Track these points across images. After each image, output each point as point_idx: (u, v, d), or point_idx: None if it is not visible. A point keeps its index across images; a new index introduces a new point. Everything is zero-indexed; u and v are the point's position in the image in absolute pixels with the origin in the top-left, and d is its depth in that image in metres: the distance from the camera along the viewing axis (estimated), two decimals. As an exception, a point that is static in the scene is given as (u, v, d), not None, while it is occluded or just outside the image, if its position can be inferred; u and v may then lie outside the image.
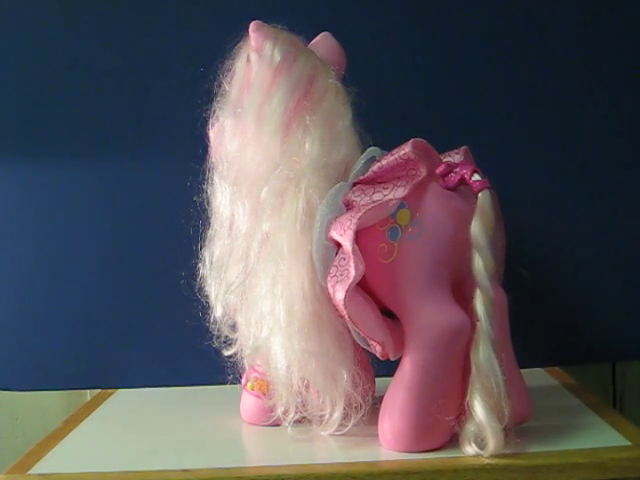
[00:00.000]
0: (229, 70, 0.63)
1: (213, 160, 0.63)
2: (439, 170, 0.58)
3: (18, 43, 0.81)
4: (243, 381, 0.66)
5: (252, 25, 0.60)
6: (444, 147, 0.61)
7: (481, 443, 0.54)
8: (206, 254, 0.63)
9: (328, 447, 0.59)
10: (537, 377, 0.76)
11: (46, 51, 0.81)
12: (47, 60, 0.81)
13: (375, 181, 0.59)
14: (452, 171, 0.57)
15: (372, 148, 0.61)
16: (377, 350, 0.57)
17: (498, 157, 0.80)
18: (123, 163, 0.81)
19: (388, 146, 0.60)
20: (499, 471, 0.53)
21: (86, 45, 0.81)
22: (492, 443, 0.53)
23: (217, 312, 0.62)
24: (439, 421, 0.55)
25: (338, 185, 0.59)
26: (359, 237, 0.55)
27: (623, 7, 0.82)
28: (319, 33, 0.66)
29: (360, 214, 0.55)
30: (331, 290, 0.55)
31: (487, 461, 0.53)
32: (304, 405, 0.59)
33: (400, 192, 0.56)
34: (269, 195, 0.58)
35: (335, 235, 0.56)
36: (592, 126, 0.83)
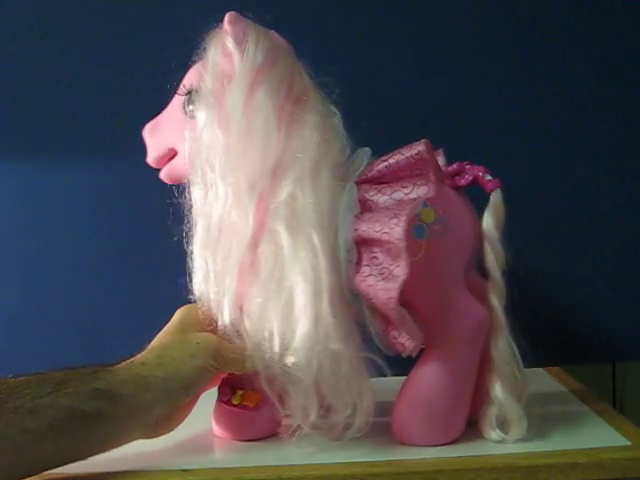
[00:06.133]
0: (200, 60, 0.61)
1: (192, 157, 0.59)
2: (451, 169, 0.60)
3: (14, 43, 0.81)
4: (221, 397, 0.61)
5: (228, 17, 0.58)
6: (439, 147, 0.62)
7: (504, 428, 0.57)
8: (209, 261, 0.59)
9: (328, 447, 0.58)
10: (537, 377, 0.76)
11: (43, 50, 0.81)
12: (44, 59, 0.81)
13: (381, 180, 0.59)
14: (463, 170, 0.60)
15: (365, 149, 0.61)
16: (408, 347, 0.56)
17: (497, 157, 0.80)
18: (121, 161, 0.81)
19: (380, 146, 0.60)
20: (499, 471, 0.53)
21: (82, 45, 0.81)
22: (516, 428, 0.57)
23: (225, 319, 0.58)
24: (465, 411, 0.59)
25: (349, 185, 0.59)
26: None
27: (623, 8, 0.82)
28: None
29: (407, 211, 0.55)
30: (369, 290, 0.55)
31: (487, 461, 0.54)
32: (325, 411, 0.58)
33: (423, 190, 0.57)
34: (278, 196, 0.56)
35: (375, 233, 0.55)
36: (592, 127, 0.83)
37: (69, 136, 0.81)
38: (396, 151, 0.59)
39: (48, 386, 0.49)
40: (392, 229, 0.54)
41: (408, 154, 0.58)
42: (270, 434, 0.62)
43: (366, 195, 0.58)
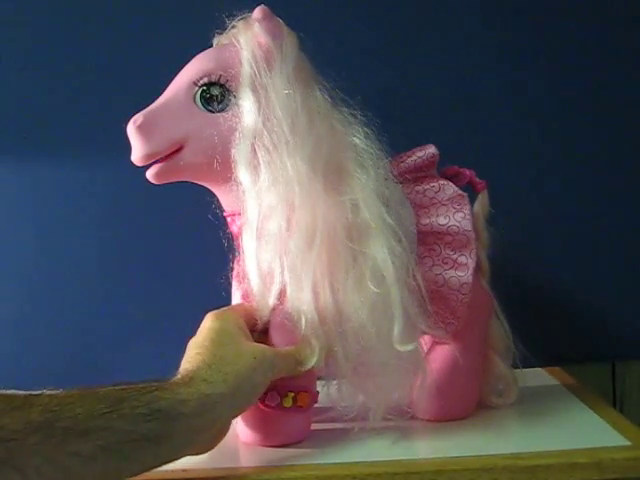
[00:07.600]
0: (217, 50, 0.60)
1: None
2: (450, 171, 0.65)
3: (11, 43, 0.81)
4: (267, 403, 0.58)
5: (262, 12, 0.58)
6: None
7: (504, 394, 0.66)
8: (275, 258, 0.56)
9: (328, 447, 0.58)
10: (537, 377, 0.76)
11: (38, 49, 0.81)
12: (40, 58, 0.81)
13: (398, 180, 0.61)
14: (459, 173, 0.65)
15: None
16: (449, 331, 0.61)
17: (495, 157, 0.80)
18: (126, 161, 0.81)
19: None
20: (499, 471, 0.53)
21: (84, 44, 0.81)
22: (510, 392, 0.66)
23: (309, 316, 0.56)
24: (477, 386, 0.65)
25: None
26: None
27: (622, 10, 0.82)
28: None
29: (469, 206, 0.61)
30: (438, 278, 0.60)
31: (487, 461, 0.54)
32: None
33: (450, 189, 0.62)
34: (347, 191, 0.56)
35: (440, 227, 0.60)
36: (590, 127, 0.83)
37: (75, 136, 0.82)
38: (409, 152, 0.62)
39: (102, 405, 0.45)
40: (460, 222, 0.60)
41: (424, 156, 0.62)
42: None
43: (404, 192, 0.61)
